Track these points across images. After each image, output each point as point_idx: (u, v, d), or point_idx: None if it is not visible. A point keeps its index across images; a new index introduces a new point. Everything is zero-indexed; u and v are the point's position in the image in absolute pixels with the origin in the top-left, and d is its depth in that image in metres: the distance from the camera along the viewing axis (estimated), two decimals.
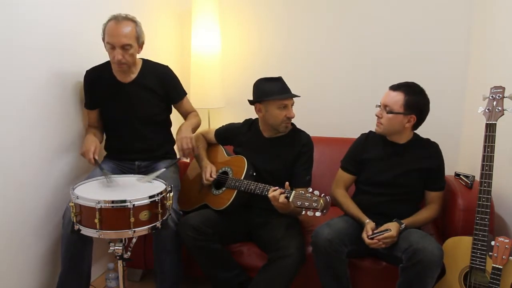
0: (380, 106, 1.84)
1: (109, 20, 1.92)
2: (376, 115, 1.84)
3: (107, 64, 2.07)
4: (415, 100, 1.78)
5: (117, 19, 1.90)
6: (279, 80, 1.97)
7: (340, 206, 1.93)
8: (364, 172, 1.93)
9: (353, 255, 1.80)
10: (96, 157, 1.90)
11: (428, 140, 1.90)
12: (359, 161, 1.92)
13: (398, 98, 1.77)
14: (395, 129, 1.83)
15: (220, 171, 2.08)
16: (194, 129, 2.14)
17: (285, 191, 1.70)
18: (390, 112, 1.78)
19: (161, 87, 2.09)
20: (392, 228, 1.71)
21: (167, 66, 2.15)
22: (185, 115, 2.25)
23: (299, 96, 1.96)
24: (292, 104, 1.96)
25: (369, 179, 1.90)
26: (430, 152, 1.86)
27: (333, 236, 1.69)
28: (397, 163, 1.85)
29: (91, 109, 2.10)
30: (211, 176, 2.02)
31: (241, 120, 2.20)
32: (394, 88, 1.80)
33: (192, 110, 2.25)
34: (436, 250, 1.59)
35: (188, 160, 1.94)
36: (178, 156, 2.01)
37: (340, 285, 1.74)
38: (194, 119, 2.18)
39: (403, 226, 1.75)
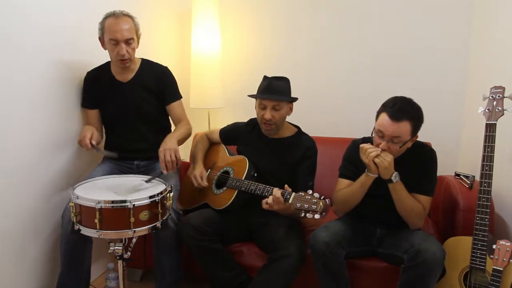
0: (381, 135, 1.66)
1: (106, 18, 1.92)
2: (382, 149, 1.64)
3: (106, 65, 2.09)
4: (420, 123, 1.68)
5: (116, 15, 1.91)
6: (272, 79, 1.92)
7: (346, 201, 1.79)
8: None
9: (353, 256, 1.80)
10: (93, 142, 1.91)
11: (422, 145, 1.81)
12: (358, 168, 1.79)
13: (406, 128, 1.62)
14: (401, 151, 1.72)
15: (222, 170, 2.08)
16: (180, 141, 2.06)
17: (284, 192, 1.69)
18: (403, 144, 1.65)
19: (158, 86, 2.09)
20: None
21: (166, 67, 2.16)
22: (176, 121, 2.19)
23: (278, 99, 1.86)
24: (276, 107, 1.87)
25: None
26: (424, 159, 1.77)
27: (330, 238, 1.68)
28: None
29: (90, 108, 2.10)
30: (201, 180, 1.99)
31: (241, 120, 2.20)
32: (398, 117, 1.61)
33: (183, 118, 2.17)
34: (438, 252, 1.59)
35: (165, 172, 1.87)
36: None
37: (338, 287, 1.73)
38: (182, 130, 2.11)
39: (396, 175, 1.64)
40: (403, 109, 1.63)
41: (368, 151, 1.65)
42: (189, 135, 2.17)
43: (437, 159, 1.79)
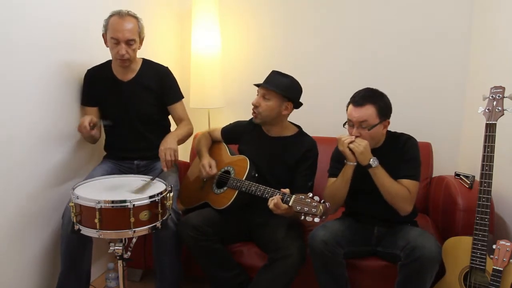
0: (351, 124, 1.77)
1: (111, 16, 1.93)
2: (355, 136, 1.74)
3: (107, 63, 2.09)
4: (385, 105, 1.77)
5: (121, 15, 1.91)
6: (274, 72, 1.96)
7: (334, 195, 1.81)
8: None
9: (352, 256, 1.80)
10: (92, 125, 1.89)
11: (401, 134, 1.87)
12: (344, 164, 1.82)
13: (370, 110, 1.73)
14: (377, 139, 1.81)
15: (222, 170, 2.08)
16: (181, 141, 2.09)
17: (284, 195, 1.69)
18: (371, 127, 1.73)
19: (159, 87, 2.10)
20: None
21: (167, 68, 2.16)
22: (177, 120, 2.21)
23: (266, 87, 1.90)
24: (265, 96, 1.91)
25: (352, 188, 1.80)
26: (404, 147, 1.82)
27: (328, 237, 1.69)
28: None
29: (89, 105, 2.10)
30: (210, 168, 1.99)
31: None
32: (360, 103, 1.74)
33: (185, 117, 2.21)
34: (434, 247, 1.59)
35: (165, 170, 1.92)
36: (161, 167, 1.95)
37: (338, 286, 1.73)
38: (184, 129, 2.15)
39: (374, 160, 1.70)
40: (365, 96, 1.77)
41: (342, 139, 1.75)
42: (190, 135, 2.19)
43: (419, 147, 1.83)
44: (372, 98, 1.75)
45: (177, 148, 1.97)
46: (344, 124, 1.82)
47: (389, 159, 1.76)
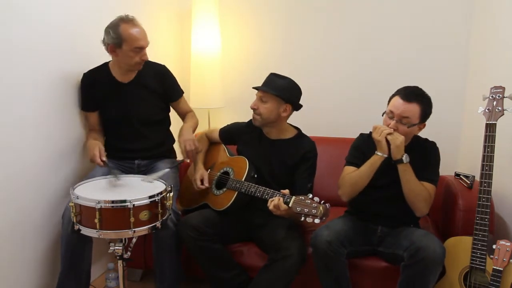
0: (391, 116, 1.76)
1: (121, 24, 1.87)
2: (392, 128, 1.73)
3: (104, 66, 2.08)
4: (429, 110, 1.77)
5: (134, 22, 1.91)
6: (272, 74, 1.96)
7: (355, 183, 1.80)
8: None
9: (353, 256, 1.80)
10: (104, 159, 1.91)
11: (426, 140, 1.89)
12: (366, 156, 1.82)
13: (415, 109, 1.73)
14: (407, 139, 1.78)
15: (221, 171, 2.08)
16: (194, 131, 2.16)
17: (284, 196, 1.69)
18: (411, 125, 1.74)
19: (160, 86, 2.11)
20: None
21: (164, 65, 2.17)
22: (182, 114, 2.26)
23: (263, 89, 1.91)
24: (262, 99, 1.91)
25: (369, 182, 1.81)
26: (430, 152, 1.84)
27: (332, 237, 1.69)
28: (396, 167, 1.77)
29: (90, 111, 2.09)
30: (202, 184, 2.03)
31: (241, 120, 2.20)
32: (409, 99, 1.73)
33: (189, 110, 2.27)
34: (438, 248, 1.59)
35: (188, 160, 1.97)
36: (181, 158, 2.03)
37: (340, 287, 1.73)
38: (192, 120, 2.20)
39: (407, 156, 1.71)
40: (415, 92, 1.76)
41: (381, 129, 1.74)
42: (197, 124, 2.25)
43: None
44: (421, 98, 1.75)
45: (194, 137, 2.03)
46: (383, 114, 1.82)
47: (412, 161, 1.75)
